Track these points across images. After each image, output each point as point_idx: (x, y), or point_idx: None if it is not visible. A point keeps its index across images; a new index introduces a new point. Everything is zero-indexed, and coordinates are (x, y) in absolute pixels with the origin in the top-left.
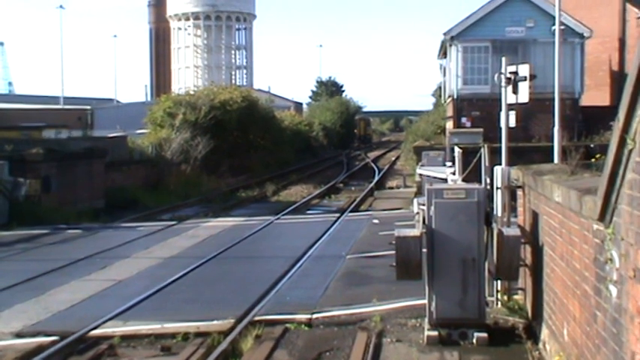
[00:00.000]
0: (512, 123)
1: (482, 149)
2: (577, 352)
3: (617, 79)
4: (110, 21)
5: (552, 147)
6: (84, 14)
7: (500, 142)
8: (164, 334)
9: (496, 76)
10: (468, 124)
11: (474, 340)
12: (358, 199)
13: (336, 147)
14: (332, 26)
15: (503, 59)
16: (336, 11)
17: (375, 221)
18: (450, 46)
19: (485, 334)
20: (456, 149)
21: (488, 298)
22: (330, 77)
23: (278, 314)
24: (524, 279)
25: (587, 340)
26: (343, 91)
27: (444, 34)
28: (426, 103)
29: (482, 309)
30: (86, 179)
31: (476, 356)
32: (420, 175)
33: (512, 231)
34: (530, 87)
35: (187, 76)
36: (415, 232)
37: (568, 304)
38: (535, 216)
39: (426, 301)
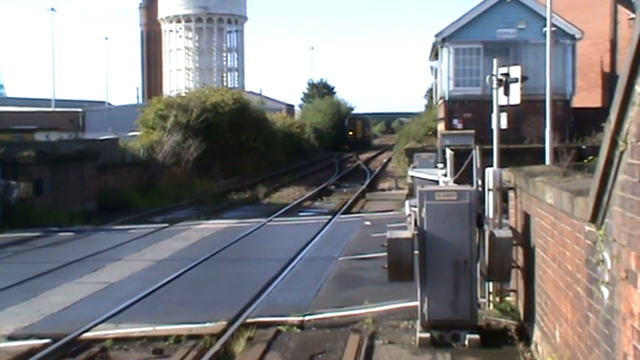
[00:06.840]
0: (504, 125)
1: (473, 151)
2: (569, 354)
3: (609, 80)
4: (101, 23)
5: (544, 148)
6: (75, 16)
7: (492, 143)
8: (156, 336)
9: (487, 77)
10: (460, 125)
11: (466, 342)
12: (350, 201)
13: (328, 149)
14: (323, 28)
15: (495, 61)
16: (327, 13)
17: (367, 223)
18: (442, 47)
19: (477, 336)
20: (448, 151)
21: (480, 300)
22: (321, 79)
23: (270, 316)
24: (516, 280)
25: (580, 342)
26: (335, 93)
27: (436, 35)
28: (418, 105)
29: (474, 311)
30: (78, 182)
31: (468, 358)
32: (412, 177)
33: (504, 233)
34: (521, 89)
35: (179, 78)
36: (407, 233)
37: (560, 305)
38: (527, 217)
39: (418, 303)
